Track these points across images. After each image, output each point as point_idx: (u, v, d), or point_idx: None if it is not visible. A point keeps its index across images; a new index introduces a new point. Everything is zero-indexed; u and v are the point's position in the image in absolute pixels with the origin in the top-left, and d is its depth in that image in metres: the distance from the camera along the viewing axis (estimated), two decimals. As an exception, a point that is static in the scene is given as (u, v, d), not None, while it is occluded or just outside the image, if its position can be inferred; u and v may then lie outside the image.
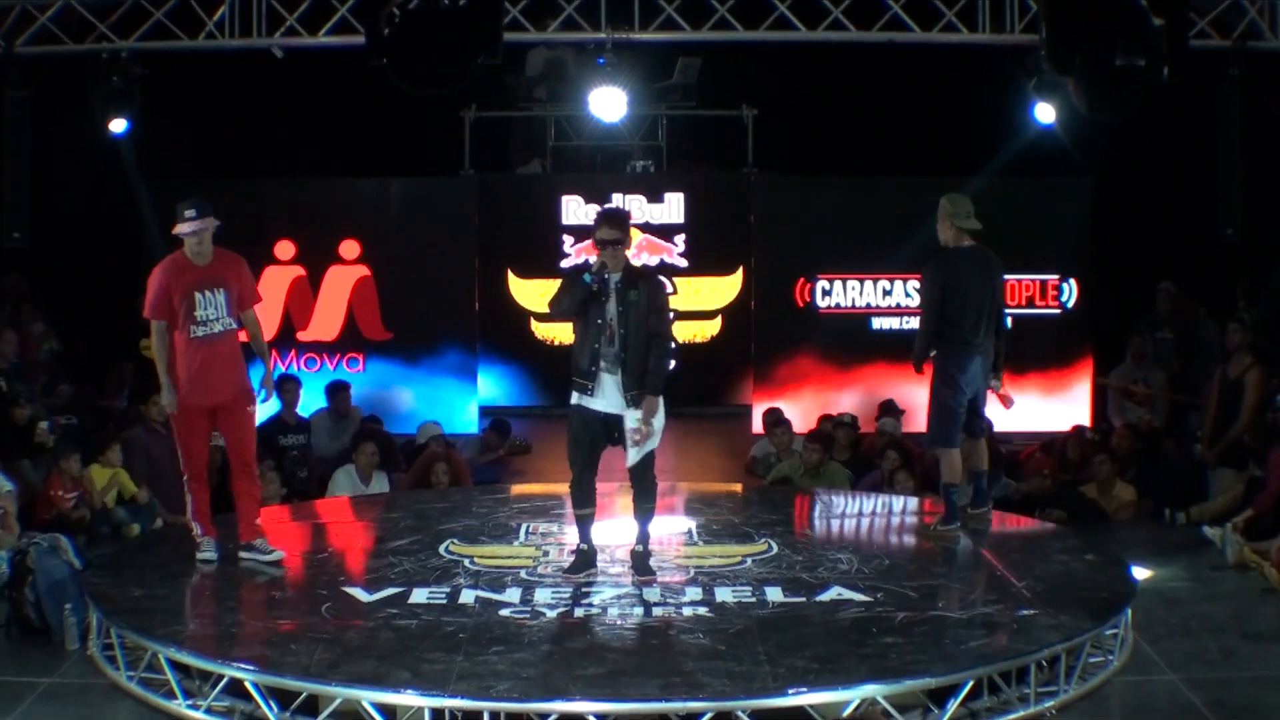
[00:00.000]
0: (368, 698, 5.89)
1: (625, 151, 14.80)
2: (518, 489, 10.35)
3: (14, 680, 6.65)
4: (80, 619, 7.13)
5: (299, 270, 13.02)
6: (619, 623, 6.77)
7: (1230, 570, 8.58)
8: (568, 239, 14.02)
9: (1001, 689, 6.25)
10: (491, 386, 13.98)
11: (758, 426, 12.24)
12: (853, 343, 12.91)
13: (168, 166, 12.60)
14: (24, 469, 9.72)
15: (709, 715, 5.79)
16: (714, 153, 14.97)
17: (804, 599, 7.04)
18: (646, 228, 14.37)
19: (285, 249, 12.97)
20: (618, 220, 7.31)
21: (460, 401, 13.02)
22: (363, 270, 13.03)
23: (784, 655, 6.18)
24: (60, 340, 12.64)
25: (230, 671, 6.20)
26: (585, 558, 7.53)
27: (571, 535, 7.73)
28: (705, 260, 14.40)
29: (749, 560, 7.78)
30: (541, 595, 7.13)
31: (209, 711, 6.24)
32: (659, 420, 7.34)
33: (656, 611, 6.89)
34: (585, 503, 7.51)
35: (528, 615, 6.81)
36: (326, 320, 13.10)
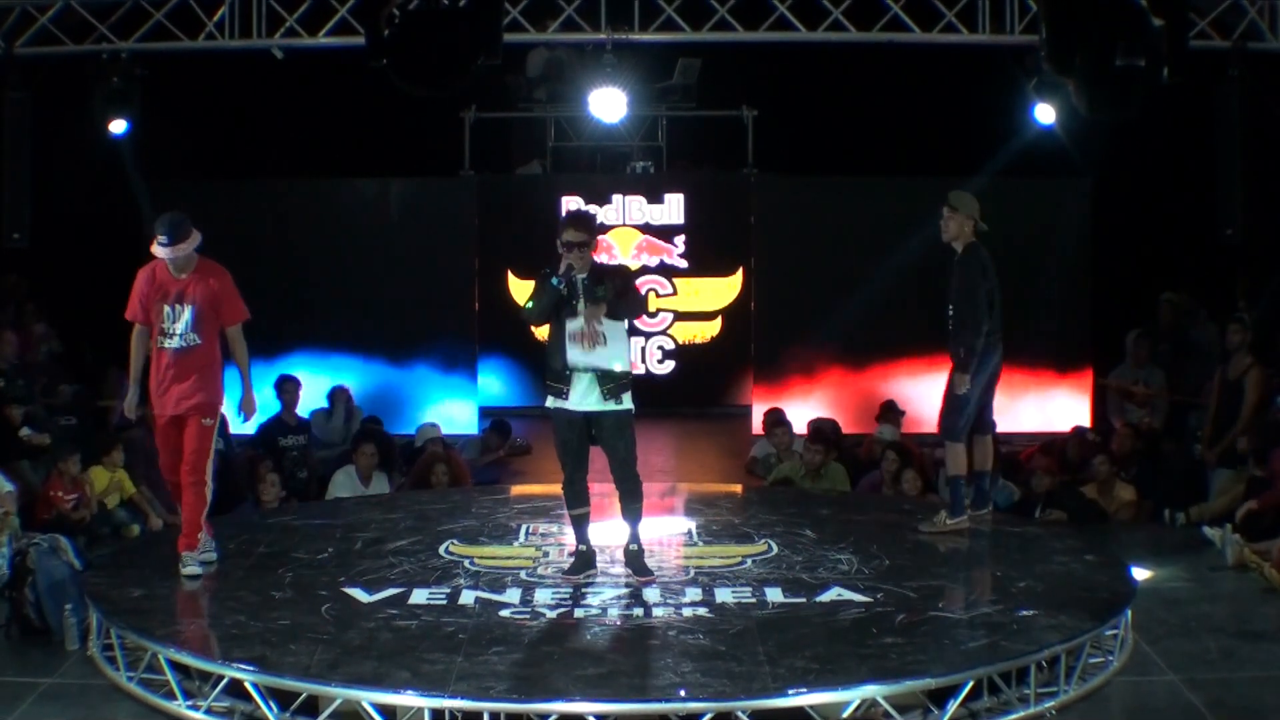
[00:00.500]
0: (368, 698, 5.89)
1: (625, 152, 14.81)
2: (517, 490, 10.35)
3: (14, 680, 6.65)
4: (80, 619, 7.13)
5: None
6: (619, 623, 6.77)
7: (1230, 570, 8.58)
8: (568, 240, 14.00)
9: (1001, 689, 6.25)
10: (491, 387, 13.98)
11: (758, 427, 12.24)
12: (853, 343, 12.91)
13: (168, 167, 12.60)
14: (23, 470, 9.73)
15: (709, 715, 5.78)
16: (714, 153, 14.97)
17: (804, 599, 7.04)
18: (646, 228, 14.40)
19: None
20: (583, 222, 7.45)
21: (460, 402, 13.02)
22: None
23: (784, 656, 6.18)
24: (60, 341, 12.65)
25: (230, 672, 6.20)
26: (584, 558, 7.54)
27: (571, 536, 7.73)
28: (705, 261, 14.41)
29: (749, 561, 7.78)
30: (541, 596, 7.13)
31: (209, 712, 6.24)
32: (610, 330, 7.29)
33: (656, 612, 6.89)
34: (579, 503, 7.54)
35: (528, 616, 6.81)
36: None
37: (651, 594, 7.17)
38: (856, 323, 12.67)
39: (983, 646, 6.35)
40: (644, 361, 14.26)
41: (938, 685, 6.06)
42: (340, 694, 5.96)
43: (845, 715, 5.91)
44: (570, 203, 14.15)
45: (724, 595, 7.11)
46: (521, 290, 14.13)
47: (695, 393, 13.85)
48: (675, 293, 14.39)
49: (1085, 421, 12.34)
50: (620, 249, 14.28)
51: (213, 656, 6.31)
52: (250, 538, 8.28)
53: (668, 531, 8.46)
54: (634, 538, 7.55)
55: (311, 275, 12.93)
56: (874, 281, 12.35)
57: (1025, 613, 6.80)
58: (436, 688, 5.86)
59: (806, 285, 12.93)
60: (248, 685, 6.13)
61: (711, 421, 13.89)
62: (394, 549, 8.01)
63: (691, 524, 8.70)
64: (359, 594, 7.13)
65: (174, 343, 7.52)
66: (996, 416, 8.68)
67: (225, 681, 6.23)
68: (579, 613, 6.89)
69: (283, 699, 6.09)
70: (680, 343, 14.49)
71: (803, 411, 12.22)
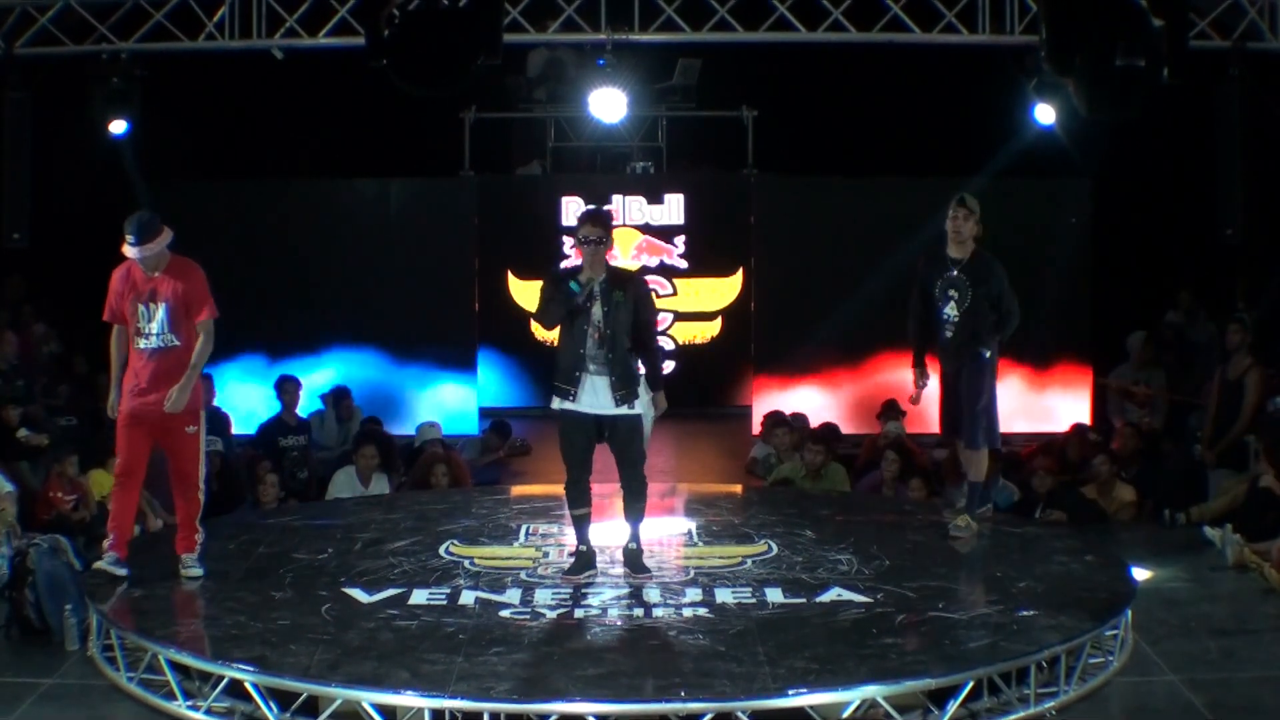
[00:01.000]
0: (368, 698, 5.89)
1: (625, 153, 14.80)
2: (518, 490, 10.34)
3: (14, 681, 6.65)
4: (80, 620, 7.13)
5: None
6: (619, 624, 6.77)
7: (1230, 570, 8.57)
8: (568, 240, 13.99)
9: (1001, 690, 6.25)
10: (492, 387, 13.98)
11: (758, 427, 12.23)
12: (853, 343, 12.90)
13: (168, 167, 12.60)
14: (22, 470, 9.72)
15: (709, 716, 5.78)
16: (714, 154, 14.96)
17: (804, 600, 7.03)
18: (646, 229, 14.39)
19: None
20: (600, 220, 7.37)
21: (460, 403, 13.01)
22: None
23: (784, 656, 6.18)
24: (60, 342, 12.64)
25: (230, 672, 6.20)
26: (585, 559, 7.53)
27: (572, 536, 7.73)
28: (705, 261, 14.41)
29: (749, 561, 7.77)
30: (541, 596, 7.13)
31: (209, 712, 6.24)
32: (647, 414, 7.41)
33: (656, 612, 6.89)
34: (581, 503, 7.53)
35: (528, 616, 6.81)
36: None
37: (651, 594, 7.17)
38: (857, 323, 12.65)
39: (983, 647, 6.35)
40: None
41: (938, 685, 6.06)
42: (340, 694, 5.96)
43: (845, 715, 5.91)
44: (570, 203, 14.16)
45: (724, 595, 7.11)
46: (521, 290, 14.14)
47: (695, 393, 13.84)
48: (675, 293, 14.38)
49: (1085, 421, 12.32)
50: (620, 249, 14.28)
51: (213, 657, 6.31)
52: (250, 538, 8.28)
53: (668, 532, 8.46)
54: (634, 537, 7.57)
55: (311, 275, 12.93)
56: (874, 281, 12.33)
57: (1025, 613, 6.80)
58: (436, 688, 5.86)
59: (806, 285, 12.93)
60: (248, 686, 6.13)
61: (711, 422, 13.88)
62: (394, 549, 8.01)
63: (691, 524, 8.69)
64: (359, 594, 7.13)
65: (151, 343, 7.40)
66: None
67: (225, 682, 6.23)
68: (579, 613, 6.89)
69: (283, 699, 6.09)
70: (680, 343, 14.48)
71: (803, 412, 12.22)
